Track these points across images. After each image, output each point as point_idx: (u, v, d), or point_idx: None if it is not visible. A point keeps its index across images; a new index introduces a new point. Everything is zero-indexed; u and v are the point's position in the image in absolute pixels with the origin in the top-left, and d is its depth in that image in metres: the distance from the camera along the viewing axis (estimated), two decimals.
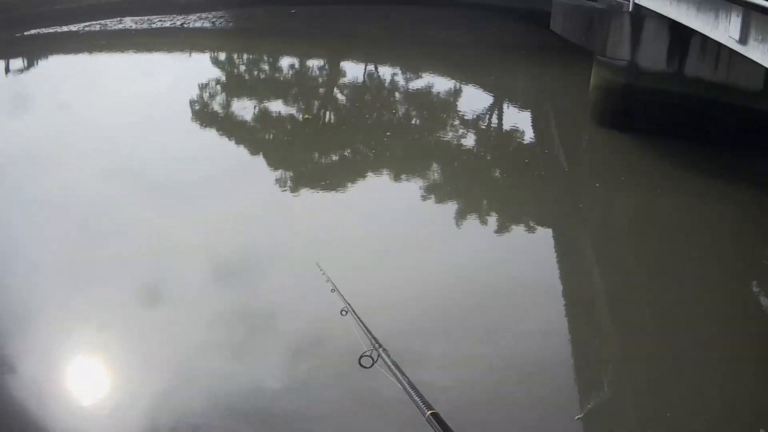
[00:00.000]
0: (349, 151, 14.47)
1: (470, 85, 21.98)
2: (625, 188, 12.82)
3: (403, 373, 2.79)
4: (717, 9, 11.23)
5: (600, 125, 15.77)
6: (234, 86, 21.65)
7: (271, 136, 15.83)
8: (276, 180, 12.59)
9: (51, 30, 35.20)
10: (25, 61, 26.01)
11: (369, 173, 13.03)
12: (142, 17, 33.94)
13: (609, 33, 15.88)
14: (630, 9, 15.71)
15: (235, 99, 19.43)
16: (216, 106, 18.83)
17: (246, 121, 16.73)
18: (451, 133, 16.08)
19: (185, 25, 32.23)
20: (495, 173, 13.61)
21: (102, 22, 34.08)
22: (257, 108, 18.23)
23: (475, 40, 28.32)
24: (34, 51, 28.09)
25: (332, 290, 4.35)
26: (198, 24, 32.22)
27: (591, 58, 16.61)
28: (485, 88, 21.50)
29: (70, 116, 16.85)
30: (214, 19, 32.38)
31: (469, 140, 15.60)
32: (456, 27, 29.72)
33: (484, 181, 12.94)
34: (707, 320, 8.35)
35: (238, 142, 15.14)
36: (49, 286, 8.60)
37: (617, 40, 15.81)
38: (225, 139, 15.39)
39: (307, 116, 16.48)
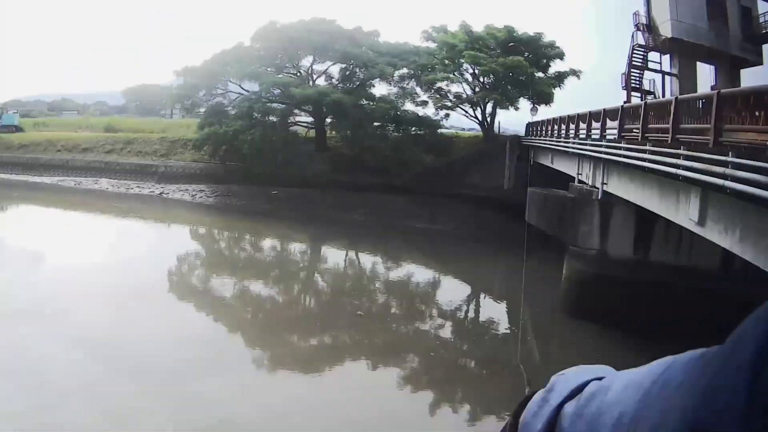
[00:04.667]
0: (328, 337, 14.72)
1: (449, 275, 22.62)
2: None
3: None
4: (677, 191, 11.61)
5: (572, 317, 16.00)
6: (218, 263, 22.02)
7: (250, 316, 15.94)
8: (254, 361, 12.60)
9: (21, 177, 35.96)
10: None
11: (348, 361, 13.14)
12: (120, 181, 35.01)
13: (580, 222, 16.54)
14: (600, 197, 16.43)
15: (215, 275, 19.64)
16: (199, 281, 18.98)
17: (229, 301, 16.87)
18: (429, 324, 16.38)
19: (164, 195, 33.24)
20: (470, 365, 13.74)
21: (76, 179, 34.89)
22: (237, 287, 18.46)
23: (454, 232, 29.38)
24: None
25: None
26: (177, 195, 33.08)
27: (564, 248, 17.21)
28: (463, 279, 22.20)
29: (50, 274, 17.04)
30: (195, 192, 33.17)
31: (446, 331, 15.86)
32: (436, 217, 30.57)
33: (460, 374, 12.98)
34: None
35: (226, 323, 14.95)
36: None
37: (587, 229, 16.35)
38: (211, 319, 15.16)
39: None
